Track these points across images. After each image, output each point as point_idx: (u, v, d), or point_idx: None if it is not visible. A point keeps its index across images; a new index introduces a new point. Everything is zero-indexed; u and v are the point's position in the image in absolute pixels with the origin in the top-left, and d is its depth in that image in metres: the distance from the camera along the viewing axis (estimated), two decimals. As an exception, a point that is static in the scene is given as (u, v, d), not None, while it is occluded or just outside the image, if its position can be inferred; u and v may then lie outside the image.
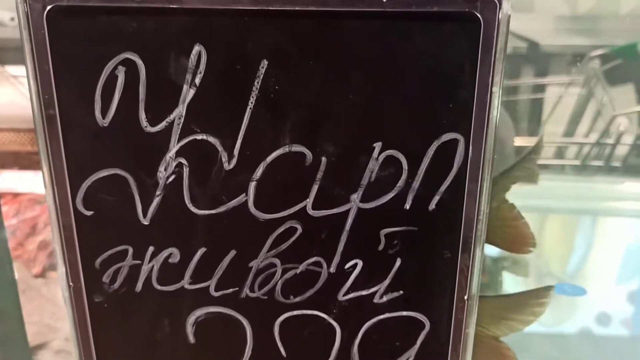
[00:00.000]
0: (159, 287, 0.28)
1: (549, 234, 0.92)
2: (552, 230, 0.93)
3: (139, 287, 0.28)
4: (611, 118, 0.87)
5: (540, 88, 1.14)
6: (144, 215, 0.27)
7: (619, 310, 0.69)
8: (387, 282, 0.28)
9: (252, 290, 0.28)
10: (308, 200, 0.27)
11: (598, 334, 0.67)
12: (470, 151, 0.26)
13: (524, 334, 0.67)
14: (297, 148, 0.26)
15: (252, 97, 0.25)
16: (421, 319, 0.28)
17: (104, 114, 0.25)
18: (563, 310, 0.72)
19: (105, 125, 0.26)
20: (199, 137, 0.26)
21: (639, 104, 0.87)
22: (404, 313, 0.28)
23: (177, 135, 0.26)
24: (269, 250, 0.28)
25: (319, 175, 0.26)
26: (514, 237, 0.47)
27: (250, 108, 0.26)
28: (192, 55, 0.25)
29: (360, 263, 0.28)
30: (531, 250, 0.51)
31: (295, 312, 0.29)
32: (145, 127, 0.26)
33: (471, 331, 0.28)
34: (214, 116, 0.26)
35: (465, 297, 0.28)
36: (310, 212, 0.27)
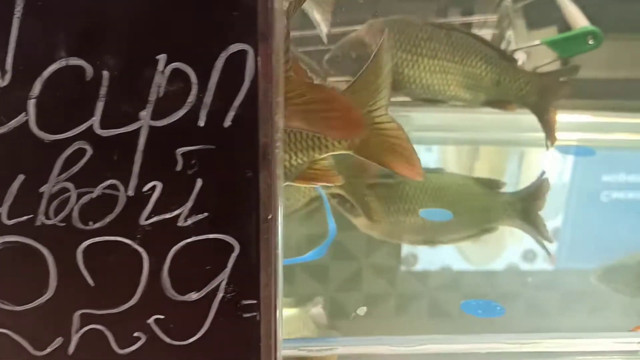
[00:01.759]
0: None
1: (479, 169, 0.93)
2: (482, 166, 0.95)
3: None
4: (510, 53, 0.88)
5: (467, 27, 1.13)
6: None
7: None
8: (189, 204, 0.27)
9: (47, 217, 0.27)
10: (94, 118, 0.25)
11: (524, 270, 0.68)
12: (259, 63, 0.25)
13: (455, 272, 0.68)
14: (74, 62, 0.24)
15: (18, 4, 0.24)
16: (230, 241, 0.28)
17: None
18: (491, 248, 0.73)
19: None
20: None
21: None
22: (211, 236, 0.28)
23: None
24: (59, 174, 0.26)
25: (103, 91, 0.25)
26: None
27: (18, 17, 0.24)
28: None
29: (159, 185, 0.27)
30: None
31: (97, 239, 0.27)
32: None
33: (280, 252, 0.28)
34: (-22, 27, 0.24)
35: (269, 217, 0.27)
36: (98, 131, 0.26)
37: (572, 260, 0.72)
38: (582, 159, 0.92)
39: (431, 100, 0.84)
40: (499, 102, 0.84)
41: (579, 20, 0.87)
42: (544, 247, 0.70)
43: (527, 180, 0.89)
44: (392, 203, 0.76)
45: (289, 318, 0.52)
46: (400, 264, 0.69)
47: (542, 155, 0.95)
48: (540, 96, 0.82)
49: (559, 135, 0.96)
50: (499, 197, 0.83)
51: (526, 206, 0.78)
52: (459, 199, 0.81)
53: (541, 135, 0.93)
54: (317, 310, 0.52)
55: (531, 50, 0.87)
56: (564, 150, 0.93)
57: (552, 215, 0.80)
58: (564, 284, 0.68)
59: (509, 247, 0.74)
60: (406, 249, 0.71)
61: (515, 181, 0.90)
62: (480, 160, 1.00)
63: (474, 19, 1.07)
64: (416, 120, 0.98)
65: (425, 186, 0.81)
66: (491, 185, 0.87)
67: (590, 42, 0.83)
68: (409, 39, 0.81)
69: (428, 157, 0.96)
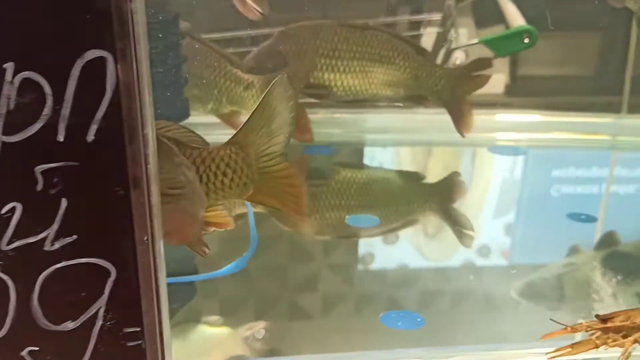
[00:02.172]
0: None
1: (433, 168, 0.93)
2: (436, 165, 0.95)
3: None
4: (448, 52, 0.87)
5: (416, 26, 1.12)
6: None
7: (497, 242, 0.71)
8: (55, 226, 0.24)
9: None
10: (-62, 134, 0.23)
11: (479, 265, 0.68)
12: (119, 71, 0.22)
13: (409, 269, 0.67)
14: None
15: None
16: (105, 265, 0.25)
17: None
18: (447, 245, 0.73)
19: None
20: None
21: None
22: (84, 260, 0.25)
23: None
24: None
25: (-56, 104, 0.22)
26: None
27: None
28: None
29: (19, 206, 0.24)
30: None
31: (-45, 267, 0.25)
32: None
33: (162, 275, 0.26)
34: None
35: (145, 238, 0.25)
36: (-55, 148, 0.23)
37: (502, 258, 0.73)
38: (514, 158, 0.93)
39: (354, 102, 0.84)
40: (418, 98, 0.84)
41: (516, 20, 0.87)
42: (461, 236, 0.71)
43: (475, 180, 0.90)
44: (317, 200, 0.76)
45: (219, 339, 0.50)
46: (357, 262, 0.68)
47: (484, 155, 0.96)
48: (453, 91, 0.82)
49: (499, 135, 0.98)
50: (422, 188, 0.84)
51: (445, 197, 0.80)
52: (382, 192, 0.82)
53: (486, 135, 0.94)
54: (253, 332, 0.49)
55: (469, 49, 0.88)
56: (497, 150, 0.94)
57: (504, 212, 0.80)
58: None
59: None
60: (363, 248, 0.70)
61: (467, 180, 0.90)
62: (425, 159, 1.01)
63: (419, 17, 1.06)
64: (370, 123, 0.97)
65: (351, 182, 0.83)
66: (412, 177, 0.88)
67: (526, 40, 0.84)
68: (325, 43, 0.81)
69: (383, 156, 0.95)
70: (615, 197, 0.84)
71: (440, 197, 0.81)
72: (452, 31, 0.92)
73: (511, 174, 0.91)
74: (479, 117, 0.93)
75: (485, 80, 0.82)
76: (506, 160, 0.93)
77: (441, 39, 0.97)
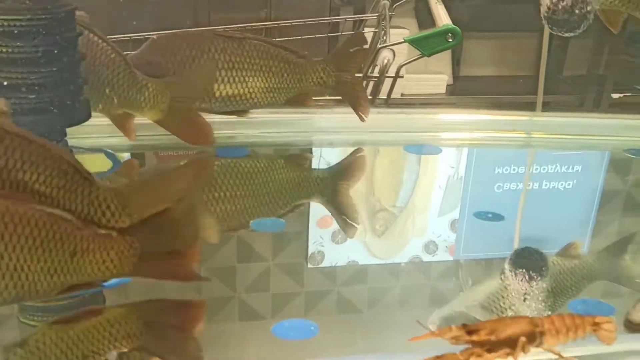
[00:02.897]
0: None
1: (379, 169, 0.94)
2: (382, 166, 0.96)
3: None
4: (376, 51, 0.89)
5: (359, 25, 1.15)
6: None
7: (443, 238, 0.74)
8: None
9: None
10: None
11: (426, 261, 0.70)
12: None
13: (356, 269, 0.68)
14: None
15: None
16: None
17: None
18: (395, 243, 0.74)
19: None
20: None
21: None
22: None
23: None
24: None
25: None
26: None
27: None
28: None
29: None
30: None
31: None
32: None
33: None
34: None
35: None
36: None
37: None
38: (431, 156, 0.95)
39: (235, 112, 0.83)
40: (299, 98, 0.85)
41: (442, 19, 0.89)
42: (345, 225, 0.72)
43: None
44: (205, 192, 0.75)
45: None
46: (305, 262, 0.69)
47: (399, 153, 0.97)
48: (339, 75, 0.83)
49: (446, 135, 1.00)
50: (312, 173, 0.85)
51: (337, 183, 0.80)
52: (269, 179, 0.82)
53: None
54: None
55: (397, 48, 0.88)
56: (413, 149, 0.95)
57: (449, 209, 0.82)
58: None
59: (412, 240, 0.75)
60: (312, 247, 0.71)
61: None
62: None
63: (356, 17, 1.08)
64: (317, 122, 0.98)
65: (236, 171, 0.82)
66: (299, 160, 0.89)
67: (450, 40, 0.86)
68: (200, 54, 0.79)
69: (332, 156, 0.95)
70: (532, 194, 0.86)
71: (335, 181, 0.81)
72: (383, 32, 0.94)
73: (425, 172, 0.92)
74: (395, 116, 0.95)
75: (363, 53, 0.84)
76: (421, 159, 0.95)
77: (376, 39, 0.99)
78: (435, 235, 0.74)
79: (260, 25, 1.06)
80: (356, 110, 0.84)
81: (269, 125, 0.93)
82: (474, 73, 2.04)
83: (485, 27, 1.97)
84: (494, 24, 1.98)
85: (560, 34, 0.96)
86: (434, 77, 1.90)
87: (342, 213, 0.74)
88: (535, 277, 0.62)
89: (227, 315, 0.58)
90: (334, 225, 0.74)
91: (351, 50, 0.83)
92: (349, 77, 0.83)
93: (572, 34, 0.95)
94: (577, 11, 0.89)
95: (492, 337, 0.41)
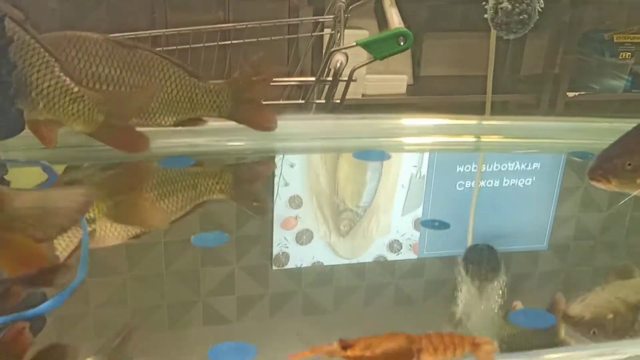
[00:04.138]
0: None
1: (343, 172, 0.94)
2: (345, 169, 0.96)
3: None
4: (329, 55, 0.88)
5: (320, 27, 1.14)
6: None
7: (407, 237, 0.74)
8: None
9: None
10: None
11: (391, 260, 0.70)
12: None
13: (321, 269, 0.67)
14: None
15: None
16: None
17: None
18: (360, 243, 0.74)
19: None
20: None
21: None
22: None
23: None
24: None
25: None
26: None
27: None
28: None
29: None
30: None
31: None
32: None
33: None
34: None
35: None
36: None
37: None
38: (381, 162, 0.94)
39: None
40: (190, 120, 0.80)
41: (395, 22, 0.88)
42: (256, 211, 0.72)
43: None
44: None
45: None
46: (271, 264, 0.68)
47: (349, 160, 0.96)
48: (236, 101, 0.80)
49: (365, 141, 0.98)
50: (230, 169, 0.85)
51: (243, 177, 0.81)
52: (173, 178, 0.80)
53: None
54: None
55: (350, 51, 0.87)
56: (361, 155, 0.94)
57: (412, 208, 0.82)
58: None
59: (376, 240, 0.76)
60: (277, 249, 0.70)
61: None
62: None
63: (312, 18, 1.07)
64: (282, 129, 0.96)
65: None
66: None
67: (402, 43, 0.85)
68: (86, 57, 0.74)
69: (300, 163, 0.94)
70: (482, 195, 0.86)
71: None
72: (338, 35, 0.92)
73: (372, 179, 0.90)
74: (347, 122, 0.94)
75: (267, 81, 0.80)
76: (370, 166, 0.93)
77: (332, 41, 0.98)
78: (399, 235, 0.74)
79: (216, 27, 1.03)
80: (259, 127, 0.81)
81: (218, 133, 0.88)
82: (434, 73, 2.06)
83: (445, 27, 1.99)
84: (453, 23, 2.00)
85: (503, 36, 0.98)
86: (394, 77, 1.90)
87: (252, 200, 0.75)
88: (486, 272, 0.63)
89: (192, 319, 0.57)
90: (299, 226, 0.74)
91: (254, 78, 0.79)
92: (248, 103, 0.79)
93: (513, 36, 0.97)
94: (515, 15, 0.91)
95: (367, 353, 0.41)
